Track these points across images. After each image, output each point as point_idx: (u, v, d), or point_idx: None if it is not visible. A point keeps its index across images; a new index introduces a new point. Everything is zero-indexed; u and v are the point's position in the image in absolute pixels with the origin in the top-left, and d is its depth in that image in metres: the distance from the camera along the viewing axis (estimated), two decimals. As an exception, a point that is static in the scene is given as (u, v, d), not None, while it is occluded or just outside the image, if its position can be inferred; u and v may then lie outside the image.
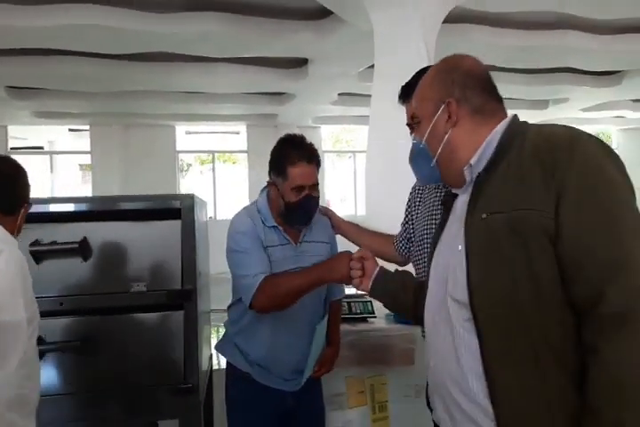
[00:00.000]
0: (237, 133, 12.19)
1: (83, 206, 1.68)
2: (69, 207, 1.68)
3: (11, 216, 1.31)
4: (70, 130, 11.69)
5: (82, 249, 1.60)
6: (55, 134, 11.41)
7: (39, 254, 1.58)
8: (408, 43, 3.20)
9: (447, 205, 1.17)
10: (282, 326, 1.64)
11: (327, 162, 10.31)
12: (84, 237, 1.62)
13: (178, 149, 9.64)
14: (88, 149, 9.31)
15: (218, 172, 10.84)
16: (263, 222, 1.65)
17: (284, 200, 1.61)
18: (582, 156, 0.91)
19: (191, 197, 1.70)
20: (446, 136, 1.07)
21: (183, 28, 4.14)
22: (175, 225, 1.68)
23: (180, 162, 10.28)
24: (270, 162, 1.66)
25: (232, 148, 12.13)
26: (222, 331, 1.89)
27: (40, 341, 1.53)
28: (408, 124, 1.20)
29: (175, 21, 4.13)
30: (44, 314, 1.57)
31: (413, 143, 1.15)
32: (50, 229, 1.64)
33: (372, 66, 5.41)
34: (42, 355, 1.53)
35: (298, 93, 6.53)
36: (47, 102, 7.22)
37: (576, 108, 8.55)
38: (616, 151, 0.96)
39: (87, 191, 9.87)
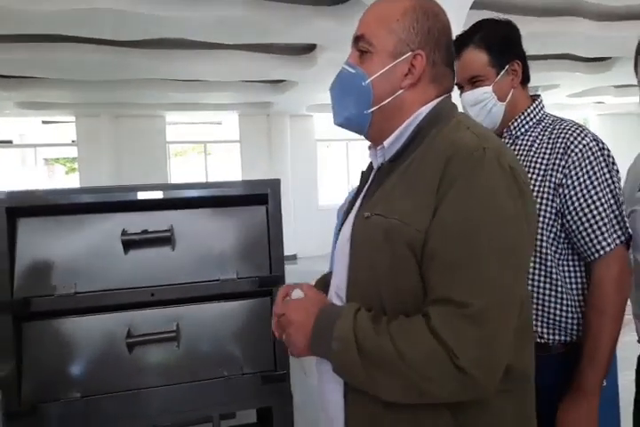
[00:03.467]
0: (219, 124, 11.93)
1: (168, 194, 1.63)
2: (156, 195, 1.62)
3: None
4: (44, 122, 11.20)
5: (172, 237, 1.56)
6: (27, 127, 10.94)
7: (130, 244, 1.53)
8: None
9: (364, 175, 1.02)
10: None
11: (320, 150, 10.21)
12: (171, 226, 1.58)
13: (168, 139, 9.39)
14: (62, 141, 8.97)
15: (194, 163, 10.69)
16: None
17: None
18: (473, 178, 0.78)
19: (278, 183, 1.67)
20: (398, 92, 0.88)
21: (197, 14, 3.98)
22: (260, 210, 1.66)
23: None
24: None
25: (216, 138, 11.91)
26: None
27: (130, 333, 1.50)
28: (355, 41, 0.91)
29: (189, 6, 3.96)
30: (134, 305, 1.54)
31: (351, 72, 0.90)
32: (131, 218, 1.59)
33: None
34: (133, 347, 1.50)
35: (301, 81, 6.42)
36: (30, 93, 6.86)
37: (564, 94, 8.71)
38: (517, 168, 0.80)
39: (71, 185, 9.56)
